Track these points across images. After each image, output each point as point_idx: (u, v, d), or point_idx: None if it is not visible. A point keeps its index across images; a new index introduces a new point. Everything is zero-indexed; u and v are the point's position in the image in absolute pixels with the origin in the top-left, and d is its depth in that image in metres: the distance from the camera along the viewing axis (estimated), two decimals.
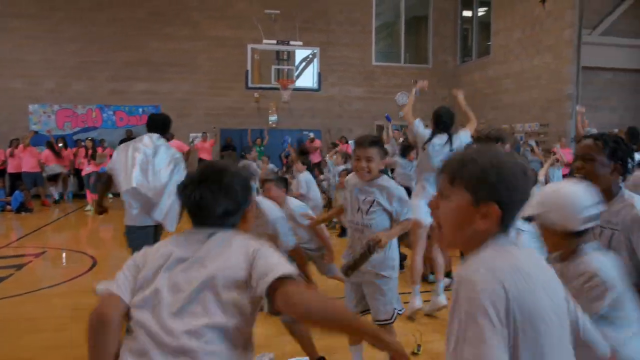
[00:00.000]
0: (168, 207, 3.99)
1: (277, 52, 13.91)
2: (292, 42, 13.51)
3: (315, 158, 12.77)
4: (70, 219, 10.93)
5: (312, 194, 7.23)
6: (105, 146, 13.30)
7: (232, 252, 1.59)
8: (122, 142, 7.18)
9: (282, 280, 1.49)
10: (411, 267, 4.87)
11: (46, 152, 12.64)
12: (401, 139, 9.80)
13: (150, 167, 4.07)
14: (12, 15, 14.25)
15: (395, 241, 3.20)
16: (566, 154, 9.58)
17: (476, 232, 1.25)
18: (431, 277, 5.39)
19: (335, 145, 12.31)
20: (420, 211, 4.58)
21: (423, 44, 17.11)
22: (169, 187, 4.07)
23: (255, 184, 1.94)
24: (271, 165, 11.26)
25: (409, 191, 4.96)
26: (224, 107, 15.38)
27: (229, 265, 1.56)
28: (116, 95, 14.92)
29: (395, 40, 17.12)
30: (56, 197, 13.01)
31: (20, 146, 12.23)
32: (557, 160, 8.67)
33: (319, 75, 13.94)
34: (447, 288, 4.82)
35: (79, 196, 13.24)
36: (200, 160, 13.66)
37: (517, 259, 1.21)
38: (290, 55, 14.25)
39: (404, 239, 5.16)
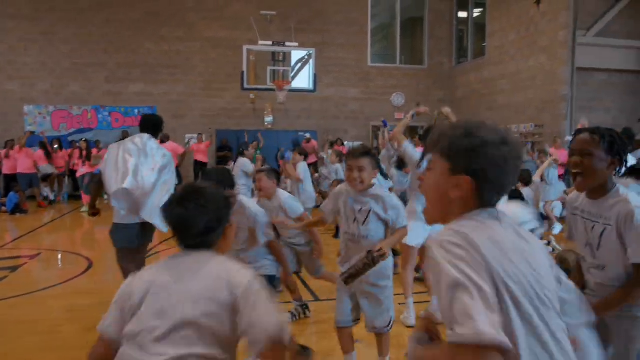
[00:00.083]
0: (156, 207, 3.97)
1: (273, 53, 13.93)
2: (287, 43, 13.53)
3: (310, 159, 12.78)
4: (66, 220, 10.90)
5: (306, 185, 7.64)
6: (100, 147, 13.26)
7: (212, 281, 1.66)
8: None
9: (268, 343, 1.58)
10: (402, 282, 4.85)
11: (39, 153, 12.61)
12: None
13: (140, 168, 4.08)
14: (7, 17, 14.21)
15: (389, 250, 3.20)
16: (561, 154, 9.62)
17: (452, 203, 1.27)
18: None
19: (332, 144, 12.36)
20: (411, 234, 4.56)
21: (419, 46, 17.15)
22: (157, 187, 4.08)
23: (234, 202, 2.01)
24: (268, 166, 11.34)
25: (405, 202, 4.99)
26: (220, 108, 15.37)
27: (209, 295, 1.64)
28: (112, 96, 14.89)
29: (391, 42, 17.15)
30: (51, 197, 12.98)
31: (16, 147, 12.19)
32: (555, 161, 8.71)
33: (315, 76, 13.95)
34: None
35: (75, 197, 13.21)
36: (196, 162, 13.65)
37: (494, 231, 1.21)
38: (286, 56, 14.26)
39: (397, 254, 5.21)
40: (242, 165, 7.93)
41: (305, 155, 9.21)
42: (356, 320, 3.22)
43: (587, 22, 11.74)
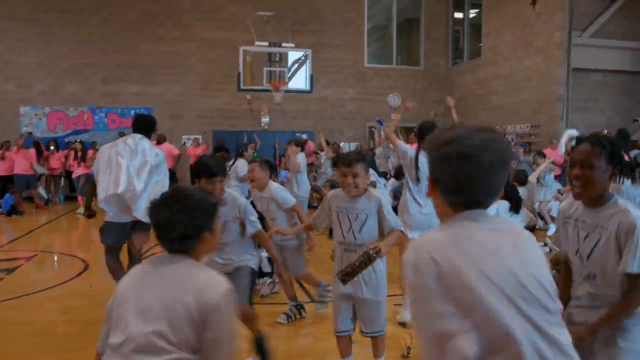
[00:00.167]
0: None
1: (269, 54, 13.94)
2: (284, 44, 13.55)
3: (307, 160, 12.81)
4: (62, 221, 10.89)
5: (303, 176, 7.98)
6: (97, 149, 13.24)
7: (182, 294, 1.68)
8: None
9: None
10: (401, 279, 4.86)
11: (31, 151, 12.59)
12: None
13: (132, 170, 4.11)
14: (4, 18, 14.19)
15: (384, 262, 3.18)
16: (557, 155, 9.65)
17: (436, 206, 1.36)
18: None
19: (328, 143, 12.43)
20: (407, 231, 4.59)
21: (415, 46, 17.18)
22: (149, 187, 4.10)
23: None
24: None
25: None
26: (216, 108, 15.37)
27: (176, 308, 1.67)
28: (108, 97, 14.88)
29: (388, 43, 17.17)
30: (45, 196, 12.97)
31: (14, 148, 12.18)
32: (553, 163, 8.75)
33: (311, 77, 13.97)
34: None
35: (71, 198, 13.19)
36: (192, 166, 13.65)
37: (467, 236, 1.26)
38: (283, 57, 14.28)
39: None
40: (237, 168, 7.89)
41: (302, 146, 9.37)
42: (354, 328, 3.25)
43: (582, 23, 11.79)
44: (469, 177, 1.27)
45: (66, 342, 4.06)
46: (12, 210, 11.14)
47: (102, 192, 4.12)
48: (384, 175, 9.62)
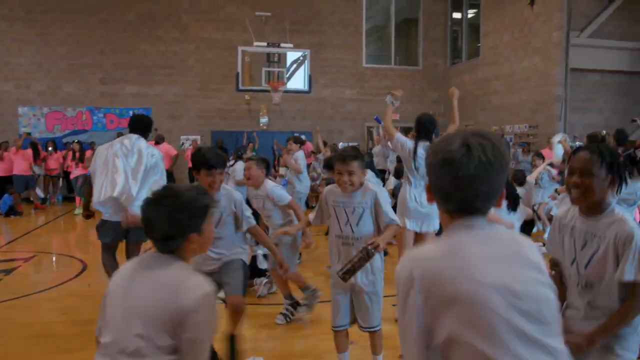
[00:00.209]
0: None
1: (268, 54, 13.93)
2: (282, 44, 13.54)
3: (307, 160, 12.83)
4: (60, 222, 10.88)
5: (303, 173, 8.03)
6: (95, 149, 13.20)
7: (163, 295, 1.68)
8: None
9: None
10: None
11: (28, 152, 12.59)
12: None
13: (129, 171, 4.12)
14: (1, 18, 14.19)
15: (381, 256, 3.20)
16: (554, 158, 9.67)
17: (440, 213, 1.36)
18: None
19: (325, 144, 12.45)
20: (407, 225, 4.62)
21: (413, 47, 17.19)
22: (145, 188, 4.11)
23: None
24: None
25: None
26: (215, 109, 15.37)
27: (157, 309, 1.67)
28: (107, 97, 14.87)
29: (386, 43, 17.18)
30: (42, 195, 12.97)
31: (12, 149, 12.17)
32: (551, 165, 8.76)
33: (310, 77, 13.97)
34: None
35: (69, 199, 13.18)
36: (190, 168, 13.65)
37: (458, 244, 1.25)
38: (281, 58, 14.27)
39: None
40: (236, 171, 7.82)
41: (301, 143, 9.44)
42: (353, 321, 3.25)
43: (580, 24, 11.81)
44: (453, 183, 1.25)
45: (65, 343, 4.06)
46: (11, 211, 11.14)
47: (97, 193, 4.13)
48: (382, 173, 9.66)
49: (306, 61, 13.97)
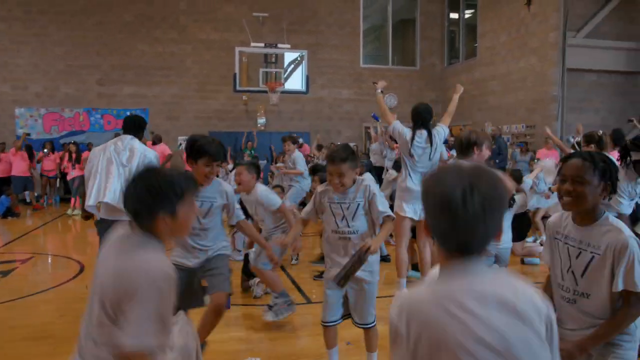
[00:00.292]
0: None
1: (265, 55, 13.94)
2: (280, 45, 13.55)
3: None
4: (57, 223, 10.86)
5: (301, 170, 8.04)
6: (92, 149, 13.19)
7: (121, 274, 1.67)
8: None
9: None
10: (396, 260, 4.94)
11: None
12: (396, 152, 9.96)
13: (122, 173, 4.12)
14: None
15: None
16: (552, 155, 9.69)
17: (436, 249, 1.36)
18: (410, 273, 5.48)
19: (321, 148, 12.49)
20: (404, 210, 4.70)
21: (411, 47, 17.22)
22: None
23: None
24: (262, 161, 11.49)
25: None
26: (213, 109, 15.37)
27: (114, 287, 1.67)
28: (104, 98, 14.86)
29: (383, 43, 17.21)
30: (35, 194, 12.98)
31: (12, 149, 12.16)
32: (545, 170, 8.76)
33: (307, 77, 13.98)
34: None
35: (66, 200, 13.15)
36: (187, 171, 13.64)
37: (450, 291, 1.23)
38: (279, 58, 14.28)
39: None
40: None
41: (298, 142, 9.49)
42: (345, 316, 3.24)
43: (576, 24, 11.84)
44: (452, 227, 1.22)
45: (63, 344, 4.05)
46: (8, 212, 11.12)
47: (90, 196, 4.14)
48: (379, 170, 9.67)
49: (304, 62, 13.98)
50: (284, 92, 13.82)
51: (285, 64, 14.72)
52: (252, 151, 13.95)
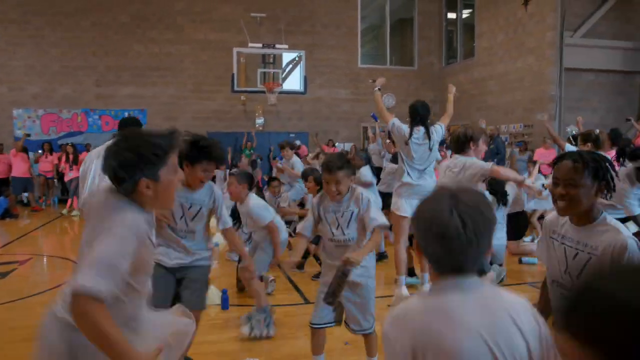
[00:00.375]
0: None
1: (263, 55, 13.94)
2: (277, 45, 13.55)
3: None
4: (55, 224, 10.85)
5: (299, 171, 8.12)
6: (90, 151, 13.18)
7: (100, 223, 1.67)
8: None
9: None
10: (395, 258, 4.96)
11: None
12: (388, 140, 9.98)
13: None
14: None
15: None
16: (550, 154, 9.72)
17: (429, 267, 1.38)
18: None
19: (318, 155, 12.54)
20: (403, 209, 4.72)
21: (408, 46, 17.23)
22: None
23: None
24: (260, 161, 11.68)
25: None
26: (211, 110, 15.37)
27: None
28: (102, 99, 14.85)
29: (381, 43, 17.21)
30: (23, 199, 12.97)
31: (12, 150, 12.16)
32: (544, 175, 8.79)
33: (305, 78, 13.99)
34: None
35: (64, 201, 13.14)
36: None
37: (445, 303, 1.26)
38: (276, 58, 14.28)
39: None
40: None
41: (297, 148, 9.56)
42: (337, 321, 3.19)
43: (574, 23, 11.87)
44: (445, 251, 1.27)
45: None
46: (6, 214, 11.11)
47: (82, 199, 4.14)
48: (378, 170, 9.68)
49: (301, 62, 13.99)
50: (282, 93, 13.83)
51: (283, 64, 14.73)
52: (252, 151, 13.97)
